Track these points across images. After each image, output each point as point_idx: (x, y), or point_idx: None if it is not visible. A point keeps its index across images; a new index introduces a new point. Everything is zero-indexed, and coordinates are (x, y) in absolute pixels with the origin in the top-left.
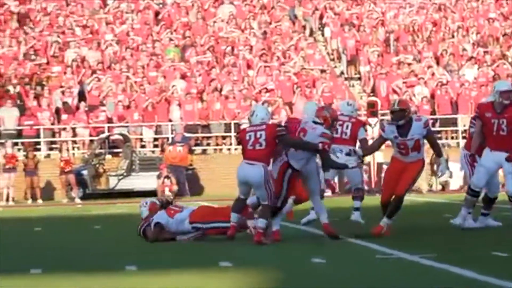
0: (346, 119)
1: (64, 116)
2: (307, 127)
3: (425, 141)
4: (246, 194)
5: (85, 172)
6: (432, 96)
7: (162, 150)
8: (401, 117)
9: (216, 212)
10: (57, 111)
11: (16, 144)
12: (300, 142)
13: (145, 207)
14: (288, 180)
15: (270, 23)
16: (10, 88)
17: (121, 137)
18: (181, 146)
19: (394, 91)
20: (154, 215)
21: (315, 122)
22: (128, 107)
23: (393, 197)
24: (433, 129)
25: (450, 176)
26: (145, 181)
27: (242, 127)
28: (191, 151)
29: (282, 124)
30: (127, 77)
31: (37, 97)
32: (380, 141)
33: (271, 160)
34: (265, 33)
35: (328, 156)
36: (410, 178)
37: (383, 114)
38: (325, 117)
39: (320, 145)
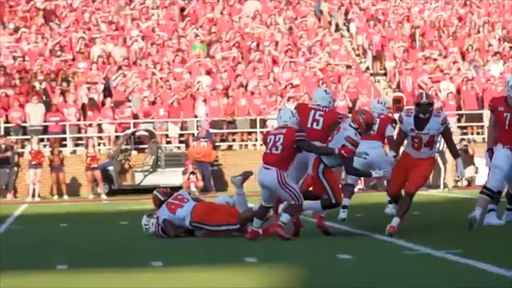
0: (375, 116)
1: (90, 112)
2: (342, 126)
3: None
4: (268, 200)
5: (111, 168)
6: (458, 91)
7: (187, 146)
8: (427, 111)
9: (219, 211)
10: (83, 107)
11: (42, 140)
12: (317, 147)
13: (149, 224)
14: (324, 174)
15: (296, 19)
16: (36, 84)
17: (146, 133)
18: (205, 141)
19: (420, 87)
20: (158, 212)
21: (351, 126)
22: (154, 103)
23: (404, 194)
24: (458, 124)
25: (476, 172)
26: (170, 177)
27: (267, 122)
28: (215, 147)
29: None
30: (153, 73)
31: (63, 93)
32: (403, 136)
33: (289, 163)
34: (290, 29)
35: (349, 162)
36: (422, 177)
37: (408, 110)
38: (358, 122)
39: (337, 149)
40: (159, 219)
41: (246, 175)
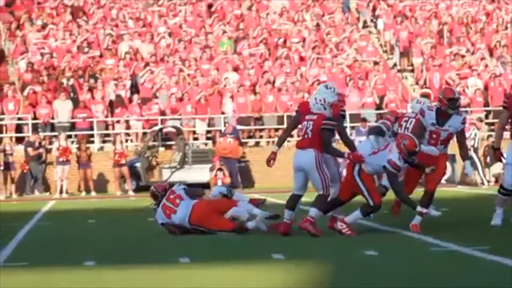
0: (412, 116)
1: (117, 109)
2: (390, 146)
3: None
4: (300, 189)
5: (138, 165)
6: (486, 88)
7: (214, 143)
8: (456, 107)
9: (219, 212)
10: (111, 104)
11: (69, 137)
12: (331, 146)
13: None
14: (360, 175)
15: (323, 15)
16: (64, 81)
17: (174, 130)
18: (231, 138)
19: (447, 83)
20: (156, 214)
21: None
22: (181, 99)
23: (424, 193)
24: (486, 121)
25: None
26: (198, 173)
27: None
28: (241, 143)
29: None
30: (180, 70)
31: (90, 90)
32: (422, 130)
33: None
34: (317, 25)
35: (393, 179)
36: (440, 173)
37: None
38: (400, 147)
39: (346, 154)
40: (157, 222)
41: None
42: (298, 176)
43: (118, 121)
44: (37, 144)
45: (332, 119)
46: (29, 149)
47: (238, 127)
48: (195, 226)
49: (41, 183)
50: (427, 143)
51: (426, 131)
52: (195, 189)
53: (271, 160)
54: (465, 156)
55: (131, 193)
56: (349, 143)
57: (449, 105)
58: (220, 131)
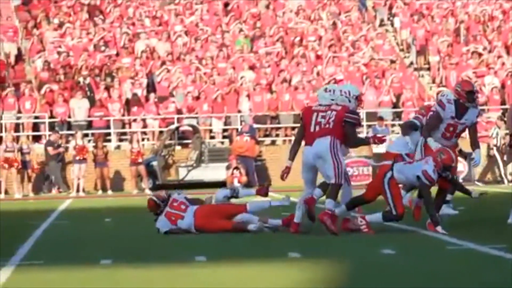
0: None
1: (134, 108)
2: (427, 158)
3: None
4: (313, 182)
5: (155, 163)
6: (503, 86)
7: (231, 141)
8: (474, 99)
9: (218, 213)
10: (127, 102)
11: (86, 135)
12: (356, 135)
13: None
14: (389, 184)
15: (339, 14)
16: (80, 79)
17: (190, 128)
18: (248, 136)
19: None
20: (157, 222)
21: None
22: (198, 98)
23: (440, 188)
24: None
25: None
26: (214, 172)
27: None
28: (258, 142)
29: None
30: (197, 68)
31: (107, 88)
32: (439, 122)
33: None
34: (334, 23)
35: (426, 191)
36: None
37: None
38: (437, 161)
39: (370, 138)
40: (159, 232)
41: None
42: (307, 173)
43: (134, 120)
44: (57, 143)
45: (356, 113)
46: (49, 148)
47: (255, 125)
48: (199, 230)
49: (62, 182)
50: (441, 136)
51: (443, 123)
52: (196, 198)
53: (284, 174)
54: (476, 145)
55: (147, 191)
56: (359, 139)
57: (467, 98)
58: (237, 129)
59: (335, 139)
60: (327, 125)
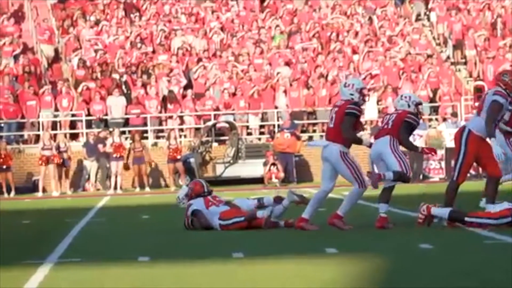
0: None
1: (170, 105)
2: None
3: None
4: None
5: (192, 160)
6: None
7: (273, 138)
8: None
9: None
10: (164, 99)
11: (123, 133)
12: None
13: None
14: None
15: (375, 9)
16: (117, 77)
17: (227, 125)
18: (288, 132)
19: None
20: (193, 200)
21: None
22: (234, 94)
23: (490, 180)
24: None
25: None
26: (251, 168)
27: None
28: (299, 138)
29: None
30: (233, 65)
31: (144, 85)
32: (499, 113)
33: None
34: (370, 19)
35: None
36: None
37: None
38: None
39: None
40: (189, 208)
41: (302, 200)
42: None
43: (171, 117)
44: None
45: (417, 116)
46: (100, 146)
47: (295, 121)
48: (220, 221)
49: (105, 178)
50: (506, 125)
51: (504, 112)
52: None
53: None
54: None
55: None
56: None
57: (506, 89)
58: (274, 125)
59: (393, 138)
60: (385, 126)
